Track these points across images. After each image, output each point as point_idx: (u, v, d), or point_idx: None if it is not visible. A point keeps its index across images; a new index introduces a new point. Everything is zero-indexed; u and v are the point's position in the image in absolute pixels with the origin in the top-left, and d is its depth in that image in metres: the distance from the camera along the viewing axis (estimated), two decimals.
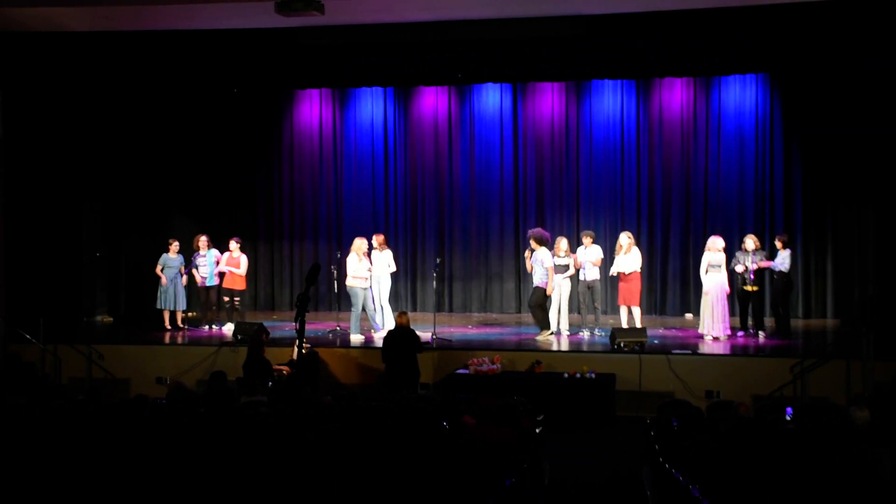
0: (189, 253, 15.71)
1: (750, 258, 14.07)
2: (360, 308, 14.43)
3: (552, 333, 14.16)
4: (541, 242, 14.33)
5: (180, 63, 15.56)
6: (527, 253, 14.65)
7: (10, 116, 14.94)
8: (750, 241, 14.19)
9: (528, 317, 17.02)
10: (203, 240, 15.56)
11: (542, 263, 14.20)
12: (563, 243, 14.66)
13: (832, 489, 5.62)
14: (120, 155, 17.14)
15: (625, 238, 14.52)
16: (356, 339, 14.23)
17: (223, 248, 15.70)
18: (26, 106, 15.12)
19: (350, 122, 18.29)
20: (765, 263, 14.10)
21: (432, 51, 15.10)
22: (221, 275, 15.53)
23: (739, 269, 14.06)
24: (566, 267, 14.56)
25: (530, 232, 14.77)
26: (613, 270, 14.59)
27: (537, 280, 14.31)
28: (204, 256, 15.48)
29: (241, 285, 15.66)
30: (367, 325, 14.71)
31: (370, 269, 14.54)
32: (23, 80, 15.03)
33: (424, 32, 14.46)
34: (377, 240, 15.09)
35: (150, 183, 17.53)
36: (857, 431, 7.08)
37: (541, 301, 14.29)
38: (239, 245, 15.64)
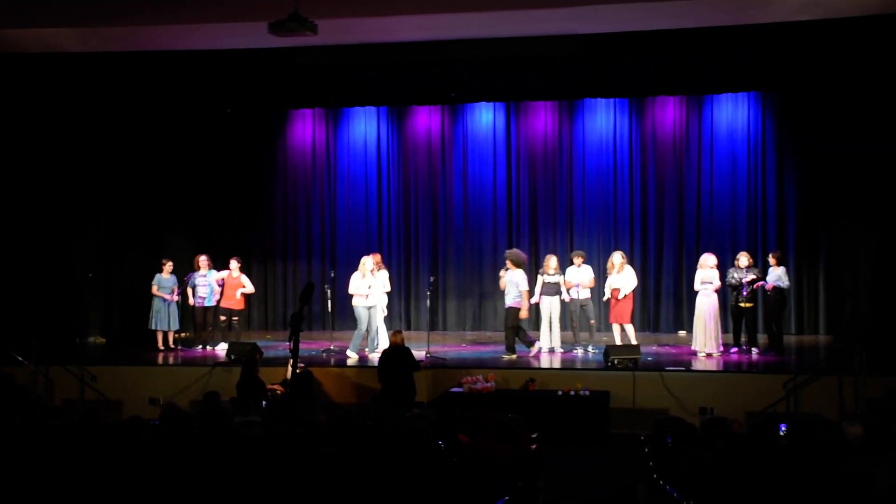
0: (182, 273, 15.68)
1: (744, 275, 14.12)
2: (364, 327, 14.41)
3: (522, 353, 14.21)
4: (517, 264, 14.37)
5: (173, 83, 15.60)
6: (501, 272, 14.64)
7: (5, 137, 14.94)
8: (743, 258, 14.26)
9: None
10: (203, 259, 15.53)
11: (517, 286, 14.22)
12: (552, 261, 14.71)
13: None
14: (113, 175, 17.12)
15: (618, 257, 14.54)
16: (352, 357, 14.21)
17: (219, 269, 15.67)
18: (21, 127, 15.12)
19: (343, 142, 18.33)
20: (769, 286, 14.12)
21: (426, 70, 15.16)
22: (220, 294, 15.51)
23: (746, 277, 14.07)
24: (556, 285, 14.59)
25: (508, 252, 14.79)
26: (608, 290, 14.57)
27: (510, 301, 14.31)
28: (204, 276, 15.45)
29: (240, 304, 15.63)
30: (366, 344, 14.66)
31: (370, 287, 14.49)
32: (17, 101, 15.04)
33: (418, 52, 14.50)
34: (373, 259, 15.09)
35: (143, 203, 17.51)
36: (850, 448, 7.09)
37: (514, 322, 14.28)
38: (239, 265, 15.61)
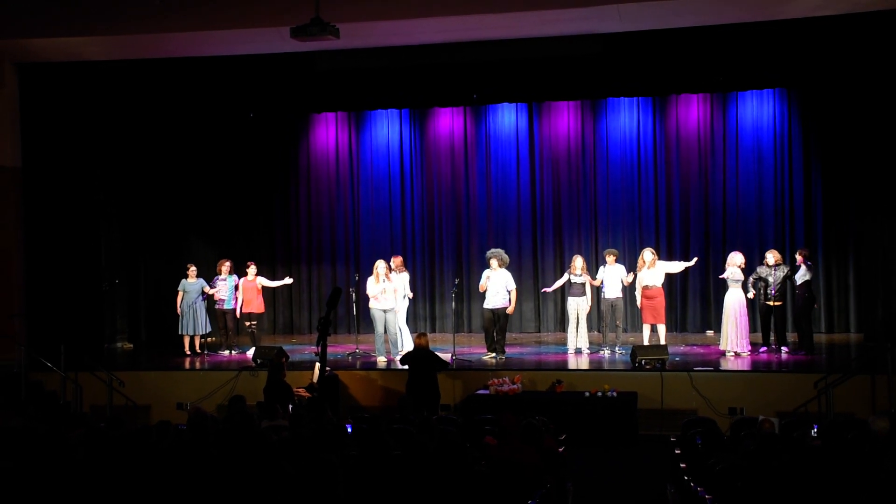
0: (209, 278, 15.74)
1: (772, 273, 13.99)
2: (382, 330, 14.39)
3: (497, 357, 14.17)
4: (504, 263, 14.36)
5: (197, 89, 15.68)
6: (486, 273, 14.41)
7: (29, 145, 15.05)
8: (771, 256, 14.12)
9: (547, 336, 17.04)
10: (227, 265, 15.60)
11: (505, 286, 14.19)
12: (578, 261, 14.63)
13: None
14: (137, 181, 17.27)
15: (648, 254, 14.36)
16: (381, 360, 14.19)
17: (242, 273, 15.73)
18: (45, 135, 15.22)
19: (366, 145, 18.33)
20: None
21: (447, 72, 15.12)
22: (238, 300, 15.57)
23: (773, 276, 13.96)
24: (582, 285, 14.51)
25: (493, 252, 14.56)
26: (638, 287, 14.41)
27: (500, 301, 14.18)
28: (224, 280, 15.50)
29: (259, 308, 15.67)
30: (388, 347, 14.62)
31: (385, 291, 14.45)
32: (41, 109, 15.15)
33: (439, 54, 14.48)
34: (394, 262, 15.08)
35: (168, 208, 17.65)
36: (878, 442, 6.99)
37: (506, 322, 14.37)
38: (255, 271, 15.67)
